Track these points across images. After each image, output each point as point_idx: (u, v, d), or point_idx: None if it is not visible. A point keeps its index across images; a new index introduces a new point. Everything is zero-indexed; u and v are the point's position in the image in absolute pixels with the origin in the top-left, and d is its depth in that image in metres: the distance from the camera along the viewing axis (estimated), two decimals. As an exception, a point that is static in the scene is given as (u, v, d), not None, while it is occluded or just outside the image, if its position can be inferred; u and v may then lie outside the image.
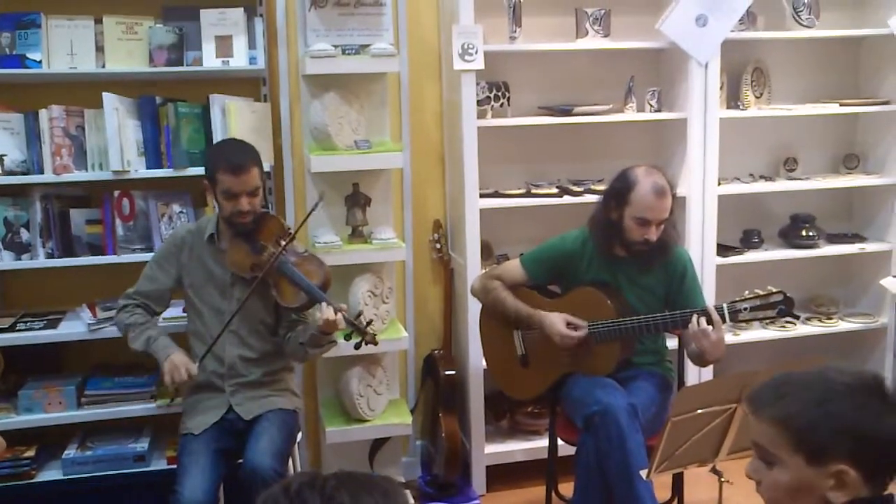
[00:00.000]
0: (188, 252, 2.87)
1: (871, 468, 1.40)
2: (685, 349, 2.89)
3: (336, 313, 2.63)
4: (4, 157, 3.02)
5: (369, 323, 2.73)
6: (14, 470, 3.05)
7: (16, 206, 3.08)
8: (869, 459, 1.39)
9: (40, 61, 3.05)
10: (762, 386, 1.50)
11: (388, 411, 3.36)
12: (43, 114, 3.02)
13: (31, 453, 3.10)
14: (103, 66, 3.12)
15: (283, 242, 2.72)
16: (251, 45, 3.20)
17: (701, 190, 3.57)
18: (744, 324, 3.71)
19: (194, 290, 2.86)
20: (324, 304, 2.66)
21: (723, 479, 2.43)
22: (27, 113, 3.06)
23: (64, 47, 3.09)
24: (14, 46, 3.05)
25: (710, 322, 2.67)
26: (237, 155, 2.75)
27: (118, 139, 3.03)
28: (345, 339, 2.71)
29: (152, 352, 2.80)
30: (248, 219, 2.76)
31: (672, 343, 3.12)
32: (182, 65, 3.15)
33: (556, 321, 2.85)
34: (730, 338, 3.65)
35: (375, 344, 2.72)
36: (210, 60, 3.16)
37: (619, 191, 2.81)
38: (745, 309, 2.68)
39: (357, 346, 2.73)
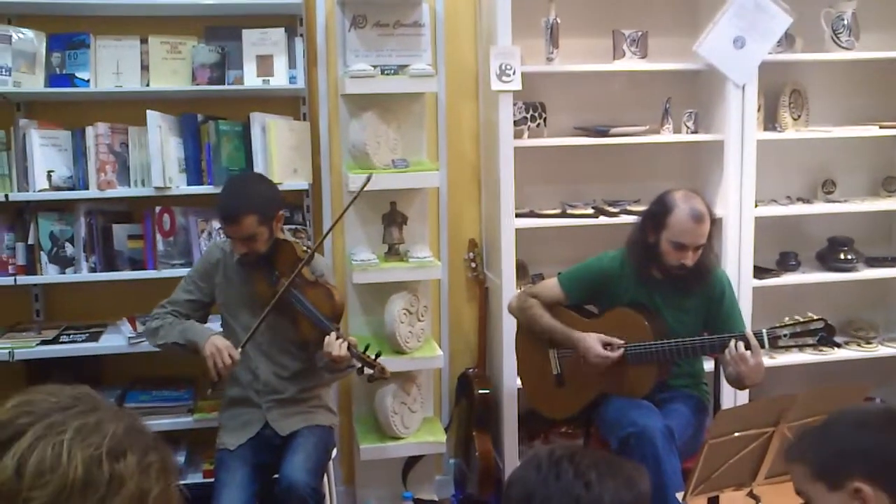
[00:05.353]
0: (221, 272, 2.87)
1: (888, 484, 1.42)
2: (723, 372, 2.86)
3: (343, 345, 2.60)
4: (52, 173, 3.09)
5: (378, 355, 2.67)
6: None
7: (61, 221, 3.15)
8: (881, 474, 1.42)
9: (88, 80, 3.13)
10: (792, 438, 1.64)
11: (423, 429, 3.37)
12: (89, 131, 3.09)
13: (69, 464, 3.14)
14: (147, 85, 3.19)
15: (293, 275, 2.68)
16: (291, 64, 3.25)
17: (738, 212, 3.55)
18: (782, 349, 3.67)
19: (227, 309, 2.89)
20: (331, 335, 2.63)
21: (760, 504, 2.41)
22: (74, 130, 3.14)
23: (111, 67, 3.17)
24: (64, 66, 3.13)
25: (748, 347, 2.66)
26: (229, 205, 2.70)
27: (160, 156, 3.09)
28: (357, 373, 2.70)
29: (189, 339, 2.73)
30: (249, 258, 2.74)
31: (708, 366, 3.10)
32: (224, 83, 3.21)
33: (593, 342, 2.84)
34: (767, 361, 3.57)
35: (386, 378, 2.69)
36: (251, 79, 3.22)
37: (657, 214, 2.81)
38: (785, 335, 2.67)
39: (370, 380, 2.71)
